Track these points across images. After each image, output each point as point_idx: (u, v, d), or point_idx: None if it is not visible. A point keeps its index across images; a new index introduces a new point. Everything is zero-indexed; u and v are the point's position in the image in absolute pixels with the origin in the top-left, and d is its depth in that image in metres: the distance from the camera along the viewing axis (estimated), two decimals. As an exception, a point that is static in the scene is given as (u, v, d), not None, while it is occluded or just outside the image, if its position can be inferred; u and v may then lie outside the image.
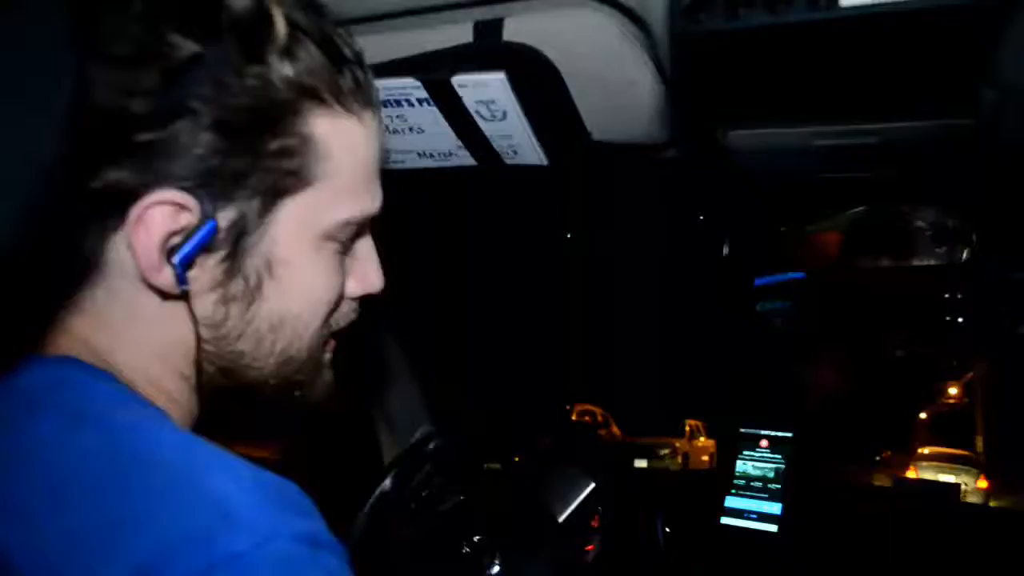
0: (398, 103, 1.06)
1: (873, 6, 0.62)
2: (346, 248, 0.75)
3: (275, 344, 0.71)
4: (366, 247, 0.79)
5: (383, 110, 1.06)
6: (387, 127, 1.11)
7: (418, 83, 1.01)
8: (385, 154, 1.17)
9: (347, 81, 0.68)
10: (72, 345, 0.67)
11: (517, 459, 1.74)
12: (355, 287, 0.78)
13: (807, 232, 1.93)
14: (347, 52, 0.68)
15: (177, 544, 0.53)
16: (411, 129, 1.10)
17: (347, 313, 0.79)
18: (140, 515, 0.54)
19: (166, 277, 0.64)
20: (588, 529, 1.49)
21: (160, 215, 0.62)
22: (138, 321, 0.68)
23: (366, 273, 0.78)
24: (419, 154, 1.16)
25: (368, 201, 0.73)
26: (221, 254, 0.66)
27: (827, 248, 1.91)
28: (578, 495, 1.40)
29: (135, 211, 0.62)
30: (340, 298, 0.76)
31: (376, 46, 1.00)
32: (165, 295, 0.67)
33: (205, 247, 0.65)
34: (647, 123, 1.07)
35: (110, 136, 0.60)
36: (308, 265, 0.70)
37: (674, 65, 0.90)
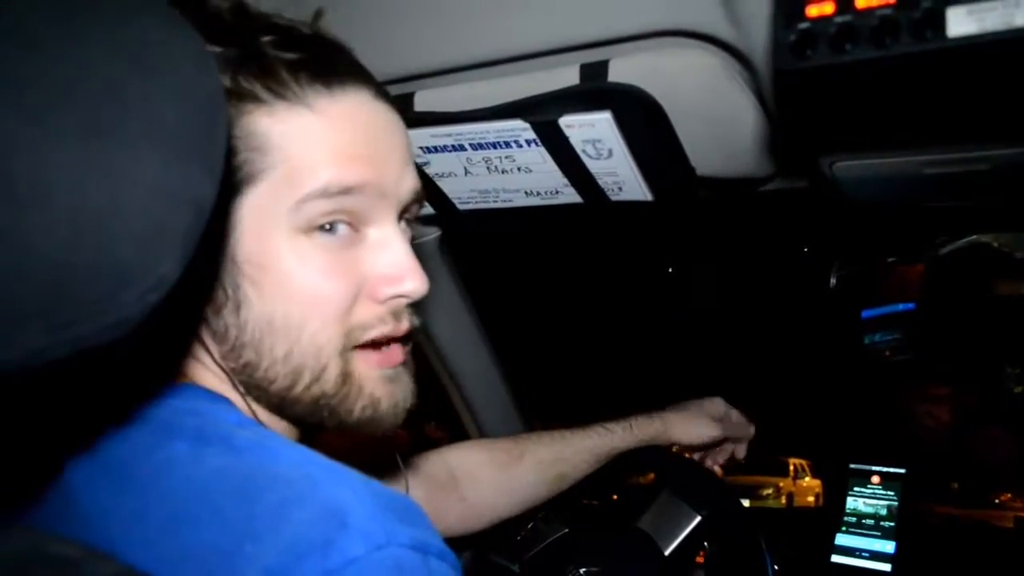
0: (507, 144, 1.10)
1: (982, 35, 0.61)
2: (342, 241, 0.71)
3: (273, 349, 0.70)
4: (388, 246, 0.74)
5: (492, 151, 1.11)
6: (496, 167, 1.15)
7: (526, 125, 1.06)
8: (494, 193, 1.21)
9: (286, 78, 0.69)
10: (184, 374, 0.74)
11: (615, 497, 1.73)
12: (381, 288, 0.74)
13: (914, 262, 1.88)
14: (288, 56, 0.69)
15: (300, 553, 0.56)
16: (519, 169, 1.14)
17: (376, 318, 0.74)
18: (265, 527, 0.58)
19: None
20: (693, 565, 1.47)
21: None
22: (195, 344, 0.73)
23: (388, 270, 0.74)
24: (526, 193, 1.20)
25: (331, 175, 0.69)
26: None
27: (932, 278, 1.85)
28: (684, 528, 1.39)
29: None
30: (352, 298, 0.72)
31: (486, 91, 1.05)
32: None
33: None
34: (750, 157, 1.08)
35: None
36: (284, 262, 0.69)
37: (778, 100, 0.91)
